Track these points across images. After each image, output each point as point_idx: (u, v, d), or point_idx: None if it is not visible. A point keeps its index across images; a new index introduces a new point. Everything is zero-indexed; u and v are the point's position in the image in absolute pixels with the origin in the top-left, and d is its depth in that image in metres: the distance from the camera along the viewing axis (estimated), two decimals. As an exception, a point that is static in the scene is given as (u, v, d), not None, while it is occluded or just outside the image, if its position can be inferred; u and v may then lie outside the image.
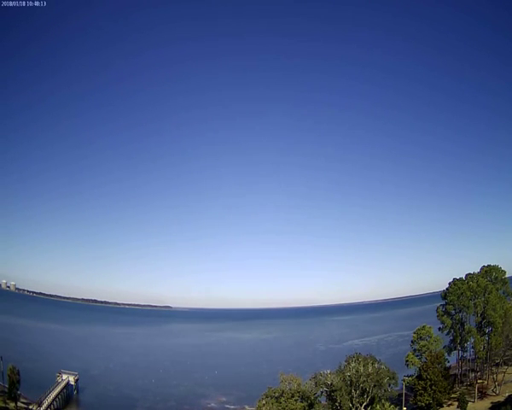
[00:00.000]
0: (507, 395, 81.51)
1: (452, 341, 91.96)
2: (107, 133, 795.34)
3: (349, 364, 76.95)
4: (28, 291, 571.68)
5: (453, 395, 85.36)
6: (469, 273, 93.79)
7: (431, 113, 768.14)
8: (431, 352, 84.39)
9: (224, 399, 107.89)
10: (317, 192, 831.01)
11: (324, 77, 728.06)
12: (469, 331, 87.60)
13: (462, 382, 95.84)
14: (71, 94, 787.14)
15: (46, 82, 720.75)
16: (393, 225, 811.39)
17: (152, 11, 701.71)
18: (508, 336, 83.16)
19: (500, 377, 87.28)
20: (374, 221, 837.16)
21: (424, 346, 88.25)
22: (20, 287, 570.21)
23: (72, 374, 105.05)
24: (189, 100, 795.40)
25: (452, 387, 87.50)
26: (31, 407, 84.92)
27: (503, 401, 78.26)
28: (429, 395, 77.30)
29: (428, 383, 77.63)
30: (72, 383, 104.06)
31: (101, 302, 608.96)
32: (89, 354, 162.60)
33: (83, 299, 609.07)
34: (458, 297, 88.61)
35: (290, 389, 72.67)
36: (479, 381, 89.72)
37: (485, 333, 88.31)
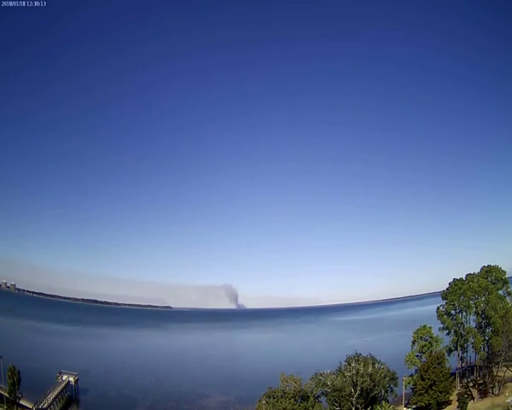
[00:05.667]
0: (507, 395, 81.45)
1: (452, 341, 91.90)
2: (108, 135, 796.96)
3: (349, 364, 77.00)
4: (28, 291, 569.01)
5: (453, 396, 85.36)
6: (470, 273, 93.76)
7: (429, 113, 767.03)
8: (431, 352, 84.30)
9: (224, 399, 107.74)
10: (317, 192, 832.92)
11: (327, 77, 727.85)
12: (470, 331, 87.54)
13: (462, 382, 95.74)
14: (70, 95, 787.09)
15: (46, 84, 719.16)
16: (393, 225, 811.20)
17: (153, 20, 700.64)
18: (508, 336, 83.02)
19: (500, 376, 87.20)
20: (373, 221, 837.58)
21: (424, 346, 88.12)
22: (20, 287, 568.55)
23: (73, 374, 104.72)
24: (199, 112, 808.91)
25: (452, 387, 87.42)
26: (31, 407, 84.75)
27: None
28: (430, 395, 77.24)
29: (429, 383, 77.56)
30: (73, 383, 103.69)
31: (102, 302, 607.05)
32: (89, 354, 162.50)
33: (83, 299, 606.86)
34: (459, 297, 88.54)
35: (290, 390, 72.64)
36: (479, 381, 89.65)
37: (485, 333, 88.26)
